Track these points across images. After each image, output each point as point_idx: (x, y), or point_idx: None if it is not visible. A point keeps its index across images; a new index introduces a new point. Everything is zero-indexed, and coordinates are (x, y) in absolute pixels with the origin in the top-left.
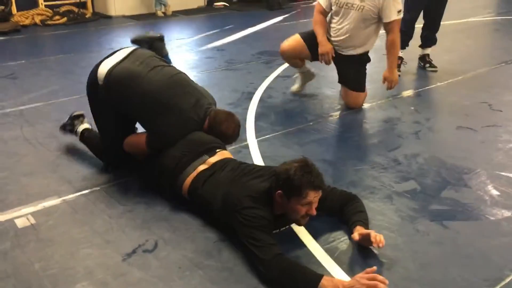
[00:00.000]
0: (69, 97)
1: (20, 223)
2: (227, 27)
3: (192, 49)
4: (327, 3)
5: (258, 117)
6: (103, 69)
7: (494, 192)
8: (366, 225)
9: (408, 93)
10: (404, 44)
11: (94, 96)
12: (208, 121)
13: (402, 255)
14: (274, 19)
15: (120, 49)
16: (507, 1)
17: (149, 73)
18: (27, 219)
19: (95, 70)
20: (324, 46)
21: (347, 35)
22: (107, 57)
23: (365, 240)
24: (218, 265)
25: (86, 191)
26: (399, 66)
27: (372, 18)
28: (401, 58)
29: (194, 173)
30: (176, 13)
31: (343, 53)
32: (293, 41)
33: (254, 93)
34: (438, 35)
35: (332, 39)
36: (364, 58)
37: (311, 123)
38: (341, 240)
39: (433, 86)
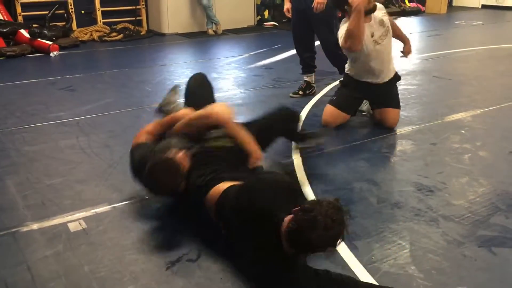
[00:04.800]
0: (122, 110)
1: (73, 227)
2: (276, 46)
3: (241, 67)
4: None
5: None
6: None
7: None
8: None
9: (458, 116)
10: (307, 67)
11: None
12: None
13: (448, 280)
14: None
15: None
16: None
17: None
18: (79, 223)
19: None
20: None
21: (379, 67)
22: None
23: None
24: None
25: (135, 200)
26: (302, 89)
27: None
28: (307, 84)
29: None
30: (226, 32)
31: (379, 82)
32: (332, 115)
33: (300, 112)
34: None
35: (367, 78)
36: (396, 77)
37: (356, 143)
38: (385, 261)
39: (486, 109)
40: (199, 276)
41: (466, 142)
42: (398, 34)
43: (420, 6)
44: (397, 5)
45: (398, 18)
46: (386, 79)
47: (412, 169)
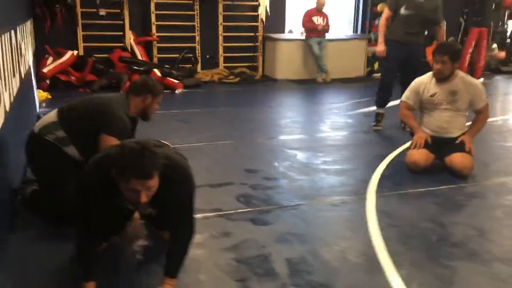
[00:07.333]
0: (226, 141)
1: None
2: None
3: (341, 113)
4: (416, 104)
5: (383, 176)
6: None
7: None
8: (173, 274)
9: None
10: (384, 103)
11: None
12: None
13: None
14: None
15: None
16: None
17: None
18: None
19: None
20: (420, 133)
21: (443, 126)
22: None
23: None
24: None
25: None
26: (379, 121)
27: (464, 108)
28: (381, 115)
29: None
30: (335, 81)
31: (443, 137)
32: (422, 156)
33: (387, 156)
34: None
35: (429, 131)
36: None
37: (433, 188)
38: None
39: None
40: None
41: None
42: (475, 124)
43: None
44: None
45: None
46: (451, 136)
47: (483, 216)
